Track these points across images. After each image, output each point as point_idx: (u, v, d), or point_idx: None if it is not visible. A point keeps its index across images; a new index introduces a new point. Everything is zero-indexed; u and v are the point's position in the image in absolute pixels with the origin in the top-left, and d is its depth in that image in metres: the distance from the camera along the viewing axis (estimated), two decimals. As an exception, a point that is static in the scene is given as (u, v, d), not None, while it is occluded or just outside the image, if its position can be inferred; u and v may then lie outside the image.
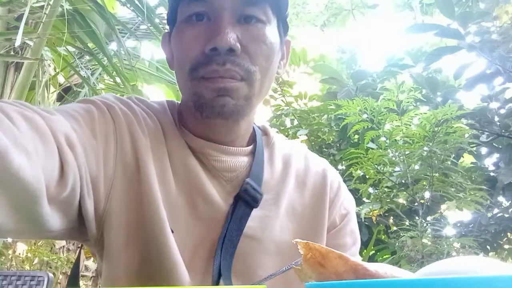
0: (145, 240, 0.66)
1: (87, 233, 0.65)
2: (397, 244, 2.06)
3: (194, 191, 0.70)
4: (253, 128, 0.80)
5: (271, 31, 0.69)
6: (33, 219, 0.55)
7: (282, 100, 2.97)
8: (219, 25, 0.64)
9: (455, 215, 2.50)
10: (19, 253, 4.24)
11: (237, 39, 0.65)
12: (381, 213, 2.42)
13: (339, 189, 0.83)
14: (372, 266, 0.36)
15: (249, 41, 0.66)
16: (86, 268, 4.24)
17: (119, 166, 0.65)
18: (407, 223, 2.08)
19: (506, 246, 2.40)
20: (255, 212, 0.73)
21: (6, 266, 3.86)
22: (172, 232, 0.67)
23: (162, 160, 0.69)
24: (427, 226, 2.09)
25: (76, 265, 0.81)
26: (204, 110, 0.67)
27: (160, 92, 4.17)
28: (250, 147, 0.77)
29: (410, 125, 2.17)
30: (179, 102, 0.79)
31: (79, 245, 0.80)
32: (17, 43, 1.49)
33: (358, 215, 2.24)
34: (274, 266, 0.71)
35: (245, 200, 0.71)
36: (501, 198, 2.41)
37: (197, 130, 0.72)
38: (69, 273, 4.15)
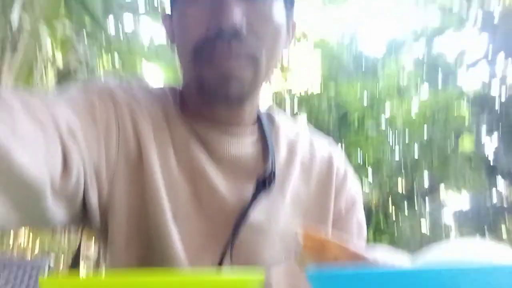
0: (147, 230, 0.64)
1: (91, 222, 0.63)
2: (396, 230, 2.08)
3: (197, 175, 0.67)
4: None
5: (278, 9, 0.64)
6: (37, 215, 0.53)
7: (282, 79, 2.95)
8: (223, 2, 0.59)
9: (455, 202, 2.51)
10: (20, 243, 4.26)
11: (242, 17, 0.60)
12: (381, 200, 2.43)
13: (345, 177, 0.80)
14: (371, 255, 0.35)
15: (256, 20, 0.62)
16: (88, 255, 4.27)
17: (122, 154, 0.63)
18: (406, 210, 2.09)
19: (504, 235, 2.42)
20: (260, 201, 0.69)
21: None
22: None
23: (166, 147, 0.66)
24: (426, 213, 2.10)
25: (78, 248, 0.80)
26: (207, 94, 0.64)
27: (160, 71, 4.14)
28: (255, 127, 0.72)
29: (410, 111, 2.17)
30: (179, 87, 0.75)
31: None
32: (14, 18, 1.46)
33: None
34: (278, 256, 0.69)
35: (265, 183, 0.67)
36: (500, 184, 2.42)
37: (199, 113, 0.69)
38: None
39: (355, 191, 0.82)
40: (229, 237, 0.66)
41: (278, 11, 0.64)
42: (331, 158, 0.79)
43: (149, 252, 0.65)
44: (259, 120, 0.75)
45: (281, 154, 0.74)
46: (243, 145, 0.70)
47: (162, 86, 0.75)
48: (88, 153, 0.58)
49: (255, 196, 0.67)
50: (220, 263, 0.65)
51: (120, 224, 0.63)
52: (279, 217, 0.71)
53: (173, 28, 0.69)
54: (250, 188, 0.68)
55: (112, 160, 0.62)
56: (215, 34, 0.60)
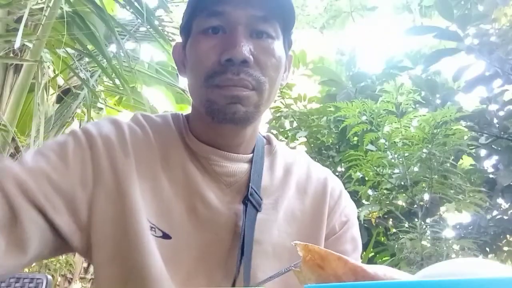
0: (128, 253, 0.70)
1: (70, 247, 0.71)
2: (396, 246, 2.06)
3: (193, 196, 0.75)
4: (258, 137, 0.85)
5: (279, 46, 0.75)
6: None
7: (281, 102, 2.97)
8: (234, 38, 0.70)
9: (455, 217, 2.50)
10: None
11: (250, 51, 0.70)
12: (381, 215, 2.42)
13: (340, 197, 0.87)
14: (371, 268, 0.36)
15: (260, 54, 0.72)
16: (86, 271, 4.23)
17: (99, 188, 0.71)
18: (406, 225, 2.07)
19: (505, 248, 2.40)
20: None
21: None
22: (170, 237, 0.72)
23: (153, 172, 0.75)
24: (426, 228, 2.09)
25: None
26: (216, 115, 0.72)
27: (160, 94, 4.17)
28: (251, 155, 0.82)
29: (409, 127, 2.18)
30: (182, 113, 0.85)
31: None
32: (17, 45, 1.49)
33: (357, 217, 2.23)
34: (272, 269, 0.74)
35: (253, 204, 0.76)
36: (500, 200, 2.41)
37: (204, 135, 0.78)
38: (68, 275, 4.15)
39: (350, 210, 0.88)
40: (237, 255, 0.73)
41: (279, 49, 0.75)
42: (326, 179, 0.87)
43: (131, 274, 0.71)
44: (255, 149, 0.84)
45: (276, 175, 0.83)
46: (239, 171, 0.79)
47: (166, 113, 0.85)
48: (53, 189, 0.67)
49: (246, 215, 0.75)
50: (234, 283, 0.72)
51: (102, 248, 0.71)
52: (273, 230, 0.79)
53: (183, 58, 0.80)
54: (238, 209, 0.76)
55: (89, 192, 0.71)
56: (227, 64, 0.70)
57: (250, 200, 0.76)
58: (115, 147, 0.74)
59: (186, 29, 0.78)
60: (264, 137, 0.89)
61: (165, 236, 0.73)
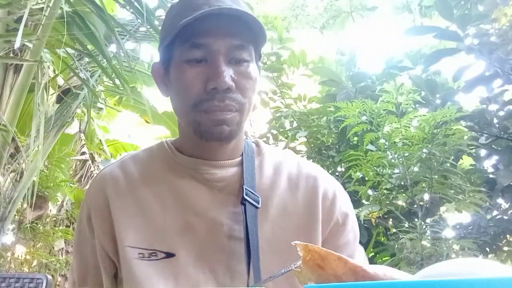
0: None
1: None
2: (396, 246, 2.06)
3: (185, 210, 0.83)
4: (245, 143, 0.92)
5: (254, 67, 0.83)
6: None
7: (281, 102, 2.97)
8: (217, 68, 0.77)
9: (455, 217, 2.50)
10: (18, 255, 4.23)
11: (231, 78, 0.78)
12: (380, 215, 2.42)
13: (335, 194, 0.91)
14: (371, 268, 0.36)
15: (240, 79, 0.80)
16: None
17: (104, 241, 0.85)
18: (406, 225, 2.07)
19: (506, 248, 2.39)
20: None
21: (5, 269, 3.86)
22: (174, 255, 0.80)
23: (142, 206, 0.84)
24: (426, 228, 2.08)
25: None
26: (204, 135, 0.81)
27: (160, 94, 4.16)
28: (239, 158, 0.89)
29: (409, 127, 2.17)
30: (167, 140, 0.94)
31: None
32: (17, 45, 1.49)
33: (357, 217, 2.23)
34: (269, 265, 0.78)
35: (250, 203, 0.82)
36: (500, 200, 2.40)
37: (191, 151, 0.87)
38: (68, 275, 4.15)
39: (346, 200, 0.93)
40: (244, 254, 0.79)
41: (254, 69, 0.83)
42: (316, 177, 0.91)
43: None
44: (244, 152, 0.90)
45: (266, 174, 0.89)
46: (229, 174, 0.86)
47: (152, 146, 0.95)
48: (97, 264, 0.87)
49: (246, 214, 0.81)
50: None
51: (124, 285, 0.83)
52: (263, 228, 0.83)
53: (164, 80, 0.87)
54: (235, 212, 0.83)
55: (110, 241, 0.84)
56: (212, 92, 0.78)
57: (247, 199, 0.81)
58: (106, 201, 0.86)
59: (166, 53, 0.84)
60: (253, 142, 0.96)
61: (169, 255, 0.80)
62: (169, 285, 0.78)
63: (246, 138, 0.95)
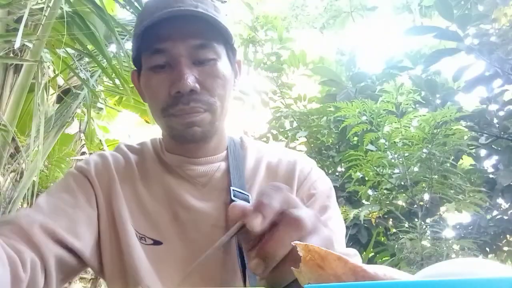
0: (124, 261, 0.80)
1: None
2: (396, 246, 2.06)
3: (173, 203, 0.84)
4: (229, 139, 0.93)
5: (222, 64, 0.82)
6: None
7: (281, 102, 2.97)
8: (179, 72, 0.77)
9: (455, 217, 2.50)
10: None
11: (195, 80, 0.78)
12: (381, 215, 2.42)
13: (310, 172, 0.90)
14: (371, 268, 0.36)
15: (206, 79, 0.79)
16: (86, 271, 4.23)
17: (99, 211, 0.83)
18: (406, 225, 2.08)
19: (505, 248, 2.40)
20: None
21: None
22: (161, 243, 0.81)
23: (136, 190, 0.86)
24: (426, 228, 2.09)
25: None
26: (178, 138, 0.83)
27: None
28: (223, 154, 0.90)
29: (409, 127, 2.17)
30: (160, 137, 0.96)
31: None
32: (17, 45, 1.48)
33: (357, 217, 2.24)
34: None
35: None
36: (500, 200, 2.40)
37: (175, 150, 0.89)
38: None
39: (320, 183, 0.91)
40: (236, 251, 0.79)
41: (222, 66, 0.82)
42: (296, 160, 0.92)
43: (132, 277, 0.79)
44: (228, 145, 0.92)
45: (247, 167, 0.90)
46: (212, 170, 0.87)
47: (146, 140, 0.97)
48: (72, 220, 0.78)
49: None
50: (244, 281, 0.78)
51: (108, 261, 0.82)
52: None
53: (140, 89, 0.88)
54: (222, 204, 0.83)
55: (95, 213, 0.83)
56: (177, 96, 0.78)
57: (234, 201, 0.80)
58: (104, 175, 0.86)
59: (137, 62, 0.85)
60: (239, 138, 0.97)
61: (156, 242, 0.81)
62: (155, 271, 0.79)
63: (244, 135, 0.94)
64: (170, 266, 0.80)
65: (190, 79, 0.77)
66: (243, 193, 0.83)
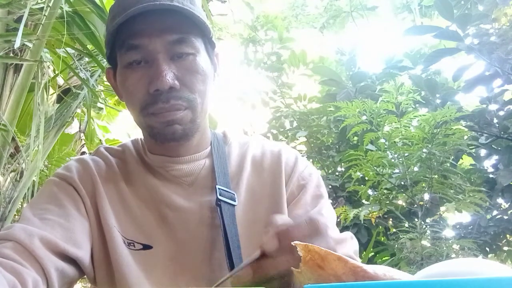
0: (112, 266, 0.78)
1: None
2: (396, 246, 2.06)
3: (160, 204, 0.82)
4: (212, 134, 0.91)
5: (201, 58, 0.79)
6: None
7: (281, 101, 2.97)
8: (157, 68, 0.74)
9: (454, 217, 2.50)
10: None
11: (174, 77, 0.75)
12: (380, 215, 2.42)
13: (295, 163, 0.90)
14: (371, 268, 0.36)
15: (185, 75, 0.77)
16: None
17: (89, 217, 0.80)
18: (406, 225, 2.08)
19: (505, 248, 2.40)
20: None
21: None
22: (151, 247, 0.79)
23: (120, 194, 0.83)
24: (426, 228, 2.09)
25: None
26: (158, 138, 0.80)
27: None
28: (207, 151, 0.88)
29: (409, 127, 2.18)
30: (141, 137, 0.92)
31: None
32: (17, 44, 1.49)
33: (357, 217, 2.24)
34: (248, 250, 0.77)
35: (226, 202, 0.80)
36: (500, 200, 2.40)
37: (156, 150, 0.86)
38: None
39: (307, 173, 0.90)
40: (224, 251, 0.76)
41: (201, 60, 0.79)
42: (280, 150, 0.91)
43: (120, 282, 0.77)
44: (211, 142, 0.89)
45: (232, 162, 0.88)
46: (198, 168, 0.85)
47: (127, 141, 0.93)
48: (67, 229, 0.75)
49: (222, 215, 0.79)
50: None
51: (98, 266, 0.80)
52: (237, 211, 0.82)
53: (116, 86, 0.85)
54: (209, 203, 0.81)
55: (86, 220, 0.80)
56: (156, 93, 0.75)
57: (221, 200, 0.79)
58: (87, 180, 0.83)
59: (111, 59, 0.83)
60: (222, 133, 0.95)
61: (146, 247, 0.80)
62: (145, 277, 0.78)
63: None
64: (160, 269, 0.79)
65: (169, 76, 0.74)
66: (229, 192, 0.82)
